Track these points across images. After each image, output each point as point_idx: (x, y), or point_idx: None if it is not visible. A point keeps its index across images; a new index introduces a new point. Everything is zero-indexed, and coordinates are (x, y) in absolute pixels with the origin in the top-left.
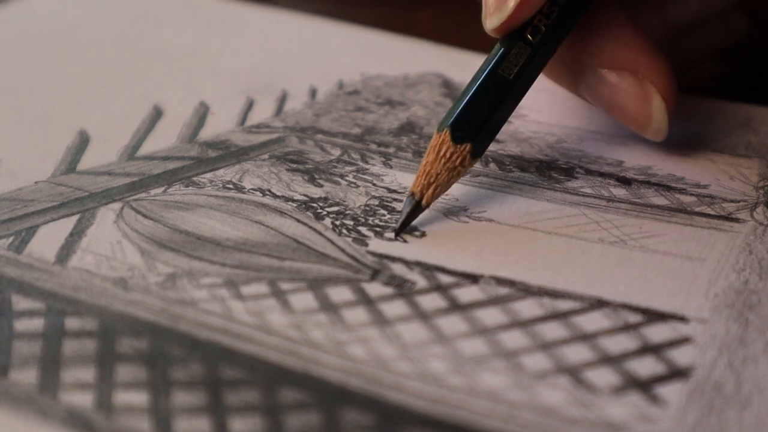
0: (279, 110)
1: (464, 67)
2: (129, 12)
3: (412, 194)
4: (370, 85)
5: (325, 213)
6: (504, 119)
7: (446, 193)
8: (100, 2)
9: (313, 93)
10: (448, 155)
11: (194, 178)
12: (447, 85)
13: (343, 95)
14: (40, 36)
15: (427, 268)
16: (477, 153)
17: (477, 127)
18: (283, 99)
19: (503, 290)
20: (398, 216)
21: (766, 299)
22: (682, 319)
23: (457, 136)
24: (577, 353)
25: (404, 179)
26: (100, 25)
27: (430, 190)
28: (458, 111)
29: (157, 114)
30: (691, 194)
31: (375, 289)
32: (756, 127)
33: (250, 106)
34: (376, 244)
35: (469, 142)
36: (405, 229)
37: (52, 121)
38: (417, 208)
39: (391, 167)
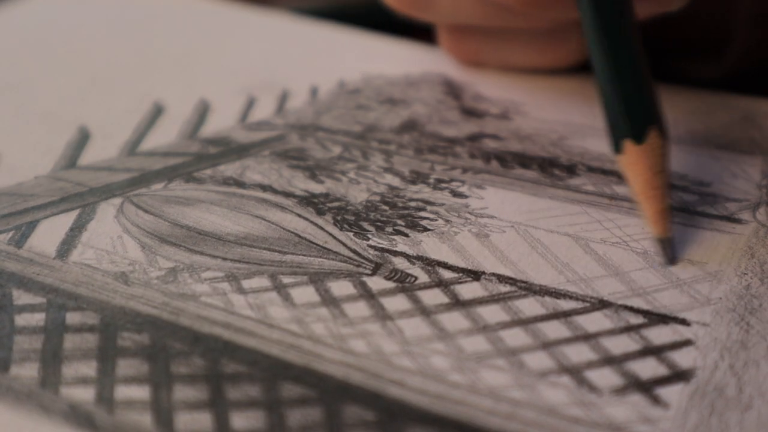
0: (280, 108)
1: (464, 67)
2: (131, 12)
3: (661, 239)
4: (371, 84)
5: (326, 208)
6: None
7: (448, 190)
8: (101, 2)
9: (314, 92)
10: (649, 164)
11: (195, 174)
12: (448, 84)
13: (345, 93)
14: (42, 34)
15: (428, 263)
16: (665, 131)
17: (645, 110)
18: (284, 97)
19: (505, 288)
20: (401, 213)
21: None
22: (683, 321)
23: (640, 137)
24: (579, 353)
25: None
26: (102, 24)
27: (666, 220)
28: (625, 117)
29: (157, 111)
30: (694, 192)
31: (376, 283)
32: (760, 122)
33: (251, 104)
34: (377, 239)
35: (652, 126)
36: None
37: (52, 117)
38: (667, 242)
39: (392, 164)
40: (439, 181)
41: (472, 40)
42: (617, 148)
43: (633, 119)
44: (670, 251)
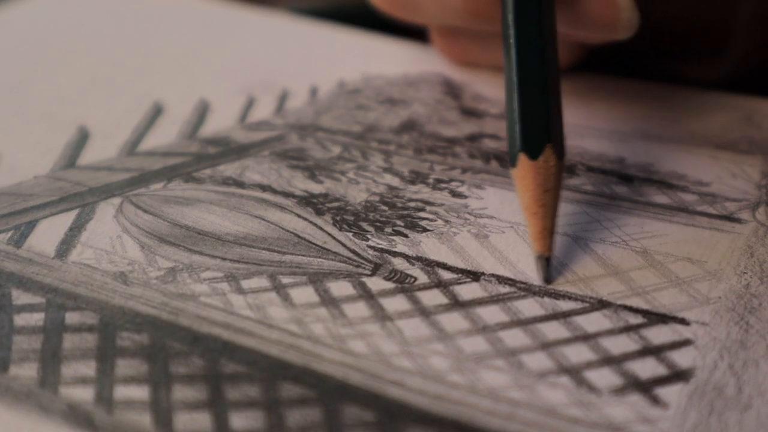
0: (280, 108)
1: (461, 67)
2: (131, 12)
3: (540, 257)
4: (371, 84)
5: (325, 208)
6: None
7: (447, 190)
8: (101, 2)
9: (314, 92)
10: (539, 180)
11: (194, 174)
12: (448, 84)
13: (344, 94)
14: (42, 34)
15: (428, 264)
16: (561, 152)
17: (543, 128)
18: (283, 97)
19: (504, 288)
20: (400, 214)
21: (767, 303)
22: (682, 321)
23: (534, 152)
24: (578, 353)
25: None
26: (102, 24)
27: (547, 239)
28: (520, 130)
29: (157, 111)
30: (693, 192)
31: (376, 283)
32: (759, 122)
33: (250, 104)
34: (376, 239)
35: (548, 144)
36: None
37: (52, 117)
38: (545, 261)
39: (392, 165)
40: (439, 181)
41: (461, 41)
42: (512, 160)
43: (529, 135)
44: (548, 270)
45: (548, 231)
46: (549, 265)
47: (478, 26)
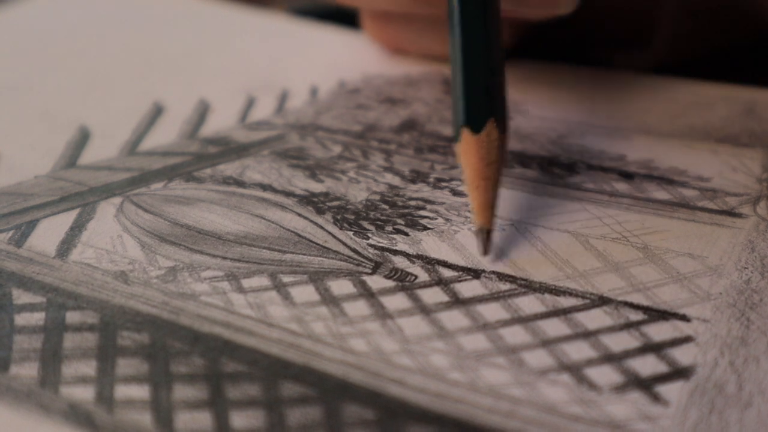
0: (280, 108)
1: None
2: (131, 12)
3: (480, 229)
4: (371, 84)
5: (326, 207)
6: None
7: (447, 189)
8: (101, 2)
9: (314, 91)
10: (481, 154)
11: (195, 173)
12: (448, 83)
13: (344, 93)
14: (42, 34)
15: (428, 262)
16: (504, 126)
17: (486, 103)
18: (283, 97)
19: (504, 286)
20: (401, 212)
21: None
22: (683, 318)
23: (476, 127)
24: (579, 350)
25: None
26: (102, 24)
27: (488, 212)
28: (463, 106)
29: (157, 111)
30: (694, 188)
31: (376, 282)
32: (760, 113)
33: (250, 103)
34: (377, 238)
35: (490, 118)
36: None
37: (52, 116)
38: (486, 234)
39: (392, 164)
40: (439, 180)
41: (394, 27)
42: (455, 136)
43: (471, 110)
44: (487, 243)
45: (489, 204)
46: (489, 239)
47: (415, 9)
